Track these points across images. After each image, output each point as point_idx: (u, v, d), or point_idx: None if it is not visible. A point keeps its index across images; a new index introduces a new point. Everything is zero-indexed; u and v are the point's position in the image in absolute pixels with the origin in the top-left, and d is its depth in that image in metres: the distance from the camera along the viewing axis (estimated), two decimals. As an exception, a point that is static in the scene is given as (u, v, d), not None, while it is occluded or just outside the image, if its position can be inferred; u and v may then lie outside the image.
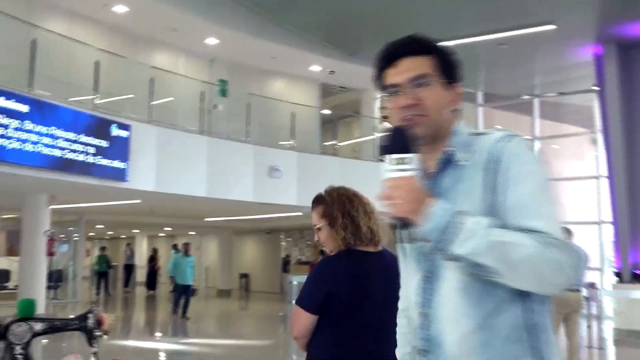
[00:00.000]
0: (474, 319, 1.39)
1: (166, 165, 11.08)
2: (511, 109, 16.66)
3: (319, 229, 2.53)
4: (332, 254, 2.48)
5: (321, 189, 2.60)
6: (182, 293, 13.71)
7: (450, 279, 1.44)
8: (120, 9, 11.96)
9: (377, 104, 16.75)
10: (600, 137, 12.96)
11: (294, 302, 2.54)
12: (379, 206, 1.70)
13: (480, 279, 1.36)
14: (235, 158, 12.34)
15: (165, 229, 27.25)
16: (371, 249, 2.44)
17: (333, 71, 14.91)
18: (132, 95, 11.75)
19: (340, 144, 16.15)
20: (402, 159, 1.37)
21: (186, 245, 14.51)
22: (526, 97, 15.83)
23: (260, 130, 13.47)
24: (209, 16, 12.14)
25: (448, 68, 1.54)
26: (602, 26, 11.01)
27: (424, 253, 1.50)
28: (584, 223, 13.22)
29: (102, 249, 22.44)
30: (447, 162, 1.50)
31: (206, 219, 19.08)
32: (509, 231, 1.33)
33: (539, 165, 1.43)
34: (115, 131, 10.28)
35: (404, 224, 1.38)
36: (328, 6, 11.33)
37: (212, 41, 13.32)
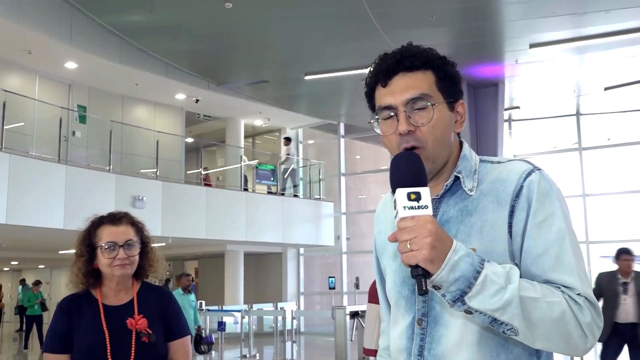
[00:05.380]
0: None
1: (19, 196, 10.34)
2: (370, 140, 17.46)
3: (131, 244, 2.31)
4: (150, 284, 2.48)
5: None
6: None
7: (457, 328, 1.24)
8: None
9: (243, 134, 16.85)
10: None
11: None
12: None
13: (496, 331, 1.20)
14: (96, 187, 11.79)
15: (12, 263, 25.23)
16: None
17: (198, 99, 14.80)
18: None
19: (205, 172, 15.96)
20: (418, 193, 1.15)
21: (187, 278, 9.89)
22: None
23: (123, 158, 13.01)
24: (67, 39, 11.59)
25: (449, 84, 1.31)
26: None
27: (417, 293, 1.28)
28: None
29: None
30: (454, 190, 1.31)
31: (61, 252, 17.91)
32: (541, 286, 1.17)
33: (566, 206, 1.25)
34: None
35: (421, 272, 1.13)
36: (194, 35, 11.29)
37: (71, 65, 12.73)
